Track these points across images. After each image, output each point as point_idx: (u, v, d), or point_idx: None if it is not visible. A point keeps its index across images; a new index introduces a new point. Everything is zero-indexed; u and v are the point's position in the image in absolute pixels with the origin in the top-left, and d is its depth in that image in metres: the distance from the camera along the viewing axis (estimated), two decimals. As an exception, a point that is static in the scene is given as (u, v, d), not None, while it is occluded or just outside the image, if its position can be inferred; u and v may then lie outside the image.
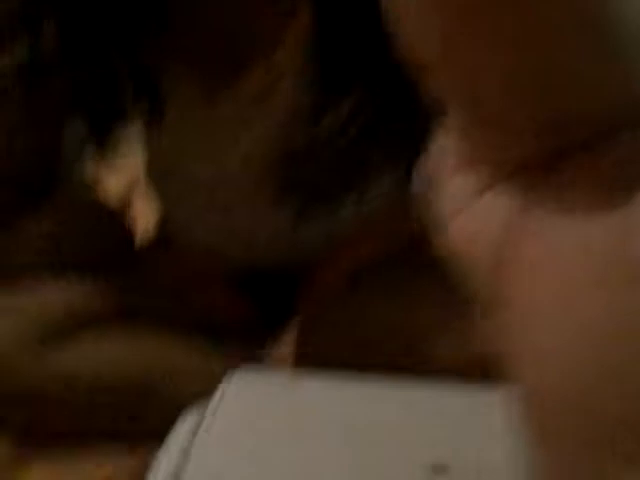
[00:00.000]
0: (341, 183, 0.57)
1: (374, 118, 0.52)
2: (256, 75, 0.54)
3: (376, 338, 0.56)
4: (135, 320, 0.59)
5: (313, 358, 0.58)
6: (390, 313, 0.57)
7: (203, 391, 0.41)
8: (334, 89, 0.52)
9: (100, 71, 0.55)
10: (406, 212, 0.28)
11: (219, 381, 0.42)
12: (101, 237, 0.65)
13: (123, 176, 0.71)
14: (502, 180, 0.13)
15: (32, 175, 0.60)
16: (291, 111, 0.54)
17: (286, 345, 0.63)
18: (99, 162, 0.62)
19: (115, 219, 0.69)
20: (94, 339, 0.58)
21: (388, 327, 0.56)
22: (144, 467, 0.39)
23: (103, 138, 0.59)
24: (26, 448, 0.59)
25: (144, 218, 0.71)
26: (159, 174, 0.65)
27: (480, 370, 0.24)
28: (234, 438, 0.39)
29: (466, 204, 0.13)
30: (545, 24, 0.10)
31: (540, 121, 0.11)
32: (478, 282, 0.13)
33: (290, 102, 0.54)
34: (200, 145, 0.59)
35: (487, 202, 0.13)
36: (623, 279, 0.10)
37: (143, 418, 0.58)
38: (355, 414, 0.40)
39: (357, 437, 0.38)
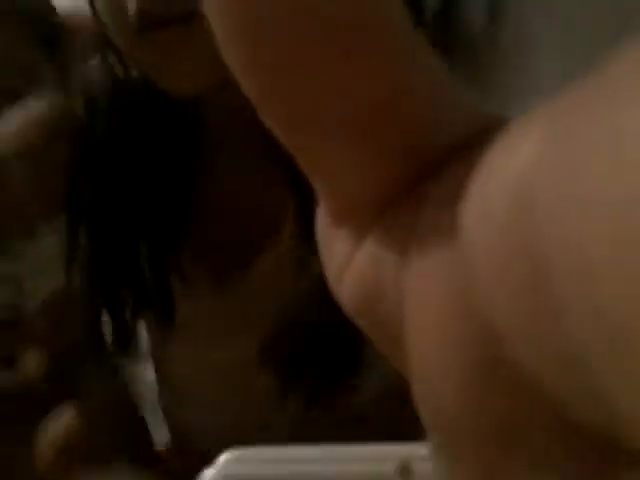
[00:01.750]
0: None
1: None
2: (264, 260, 0.56)
3: None
4: None
5: None
6: None
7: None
8: None
9: (125, 272, 0.58)
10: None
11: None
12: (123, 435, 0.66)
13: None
14: (372, 227, 0.12)
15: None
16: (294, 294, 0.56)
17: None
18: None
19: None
20: None
21: None
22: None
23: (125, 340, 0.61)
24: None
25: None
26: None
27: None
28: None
29: (346, 261, 0.12)
30: None
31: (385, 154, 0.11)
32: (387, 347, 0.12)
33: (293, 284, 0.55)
34: (210, 334, 0.59)
35: (361, 255, 0.12)
36: None
37: None
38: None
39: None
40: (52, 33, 0.73)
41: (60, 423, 0.61)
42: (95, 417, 0.62)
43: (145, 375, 0.69)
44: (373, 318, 0.12)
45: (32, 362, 0.61)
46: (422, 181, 0.11)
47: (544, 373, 0.08)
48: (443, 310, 0.10)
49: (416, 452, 0.36)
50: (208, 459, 0.43)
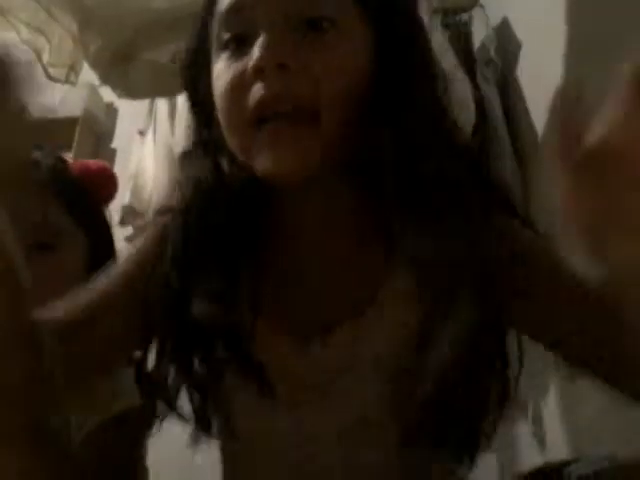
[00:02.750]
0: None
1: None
2: (345, 331, 0.56)
3: None
4: None
5: None
6: None
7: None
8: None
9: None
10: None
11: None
12: None
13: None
14: None
15: None
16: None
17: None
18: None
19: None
20: None
21: None
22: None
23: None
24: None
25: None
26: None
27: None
28: None
29: None
30: None
31: None
32: None
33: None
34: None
35: None
36: None
37: None
38: None
39: None
40: (79, 201, 0.84)
41: None
42: None
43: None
44: None
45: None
46: None
47: None
48: None
49: None
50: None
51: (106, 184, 0.94)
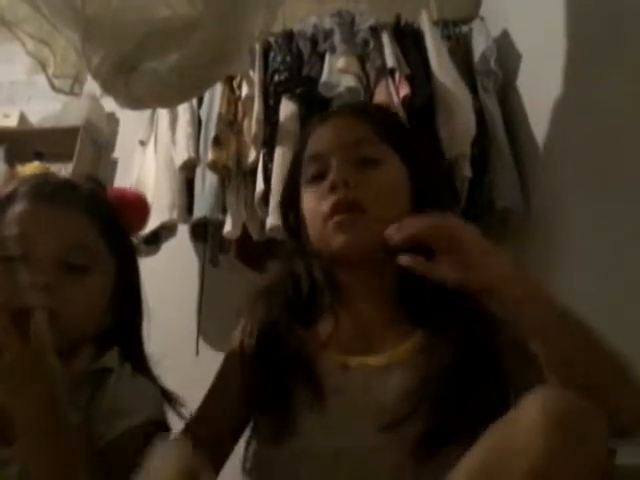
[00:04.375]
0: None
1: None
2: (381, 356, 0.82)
3: None
4: None
5: None
6: None
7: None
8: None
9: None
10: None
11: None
12: None
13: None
14: None
15: None
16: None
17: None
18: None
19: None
20: None
21: None
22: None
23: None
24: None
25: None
26: None
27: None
28: None
29: None
30: None
31: None
32: None
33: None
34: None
35: None
36: None
37: None
38: None
39: None
40: (113, 227, 0.85)
41: None
42: None
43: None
44: None
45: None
46: None
47: None
48: None
49: None
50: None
51: (140, 214, 0.96)
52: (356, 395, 0.78)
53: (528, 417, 0.53)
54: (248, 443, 0.85)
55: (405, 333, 0.83)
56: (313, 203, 0.89)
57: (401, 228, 0.73)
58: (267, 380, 0.82)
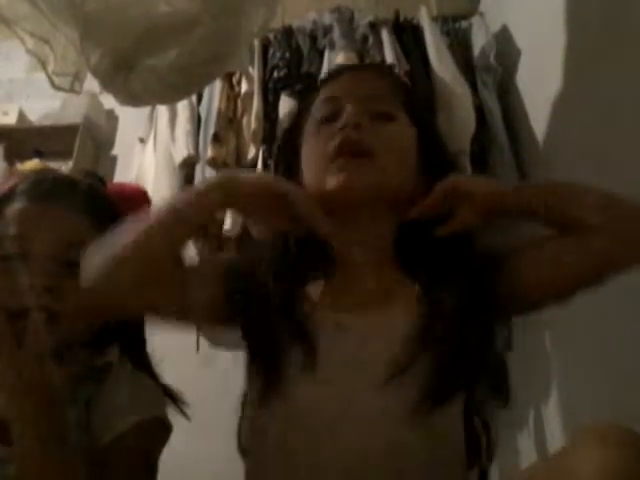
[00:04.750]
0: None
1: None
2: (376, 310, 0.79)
3: None
4: None
5: None
6: None
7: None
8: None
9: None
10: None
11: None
12: None
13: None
14: None
15: None
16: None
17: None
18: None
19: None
20: None
21: None
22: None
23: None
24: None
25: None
26: None
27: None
28: None
29: None
30: None
31: None
32: None
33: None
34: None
35: None
36: None
37: None
38: None
39: None
40: (112, 222, 0.86)
41: None
42: None
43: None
44: None
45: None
46: None
47: None
48: None
49: None
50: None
51: (140, 207, 0.95)
52: (353, 355, 0.74)
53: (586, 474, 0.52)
54: (241, 418, 0.81)
55: (403, 286, 0.80)
56: (318, 145, 0.84)
57: (418, 208, 0.80)
58: (255, 333, 0.78)
